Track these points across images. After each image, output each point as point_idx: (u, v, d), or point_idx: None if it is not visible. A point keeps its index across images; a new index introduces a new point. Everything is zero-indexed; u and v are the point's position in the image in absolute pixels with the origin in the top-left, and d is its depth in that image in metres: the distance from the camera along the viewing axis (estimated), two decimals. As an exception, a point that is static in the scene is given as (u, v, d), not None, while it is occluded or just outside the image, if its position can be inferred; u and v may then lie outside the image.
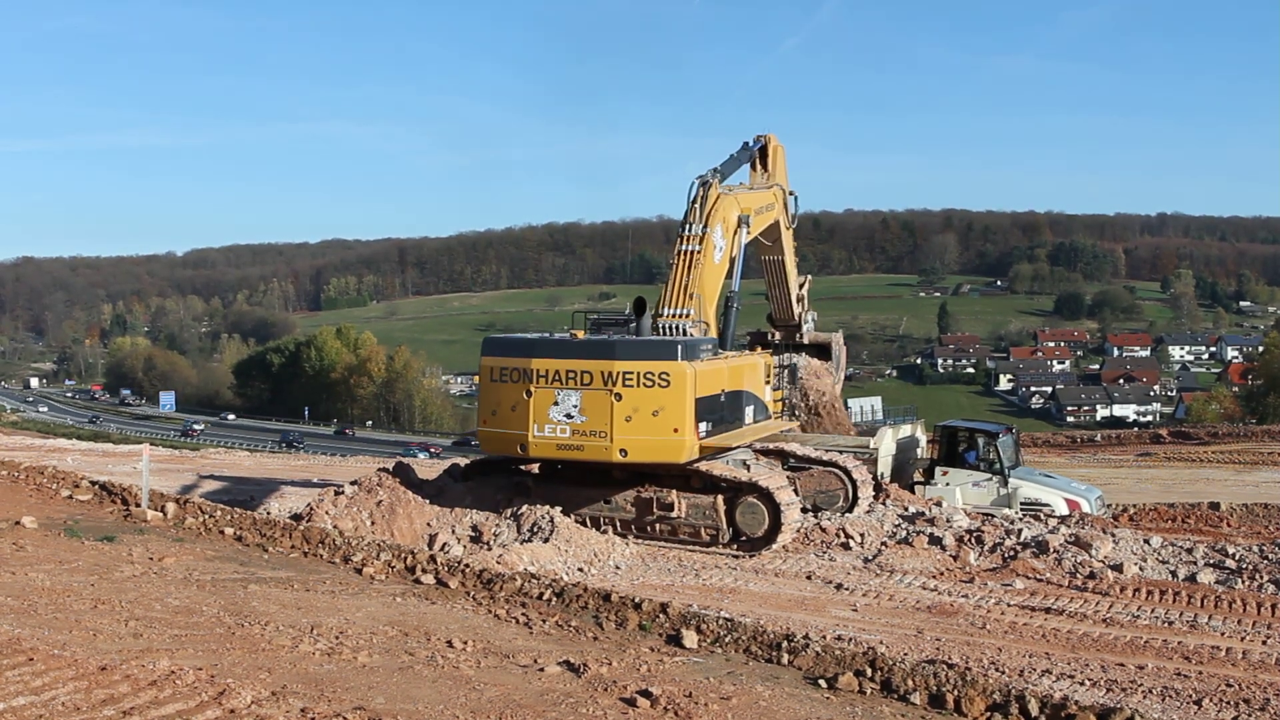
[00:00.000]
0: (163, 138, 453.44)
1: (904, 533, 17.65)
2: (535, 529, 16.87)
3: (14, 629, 8.34)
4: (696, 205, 19.02)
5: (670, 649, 9.51)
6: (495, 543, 16.74)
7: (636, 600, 10.90)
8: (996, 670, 10.87)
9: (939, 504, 19.87)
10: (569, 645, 9.52)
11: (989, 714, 7.91)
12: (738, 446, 18.17)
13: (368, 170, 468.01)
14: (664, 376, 16.28)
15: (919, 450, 23.94)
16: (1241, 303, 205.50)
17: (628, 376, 16.35)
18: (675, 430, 16.30)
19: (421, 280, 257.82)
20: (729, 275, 19.70)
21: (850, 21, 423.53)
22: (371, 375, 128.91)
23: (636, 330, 17.84)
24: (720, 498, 17.42)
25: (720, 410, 17.27)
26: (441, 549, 16.25)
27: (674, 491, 17.54)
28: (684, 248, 18.72)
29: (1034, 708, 7.83)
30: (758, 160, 22.43)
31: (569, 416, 16.63)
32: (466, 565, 12.63)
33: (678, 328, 17.88)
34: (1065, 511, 20.24)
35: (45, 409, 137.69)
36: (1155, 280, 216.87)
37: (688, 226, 18.88)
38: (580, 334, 17.60)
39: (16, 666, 7.17)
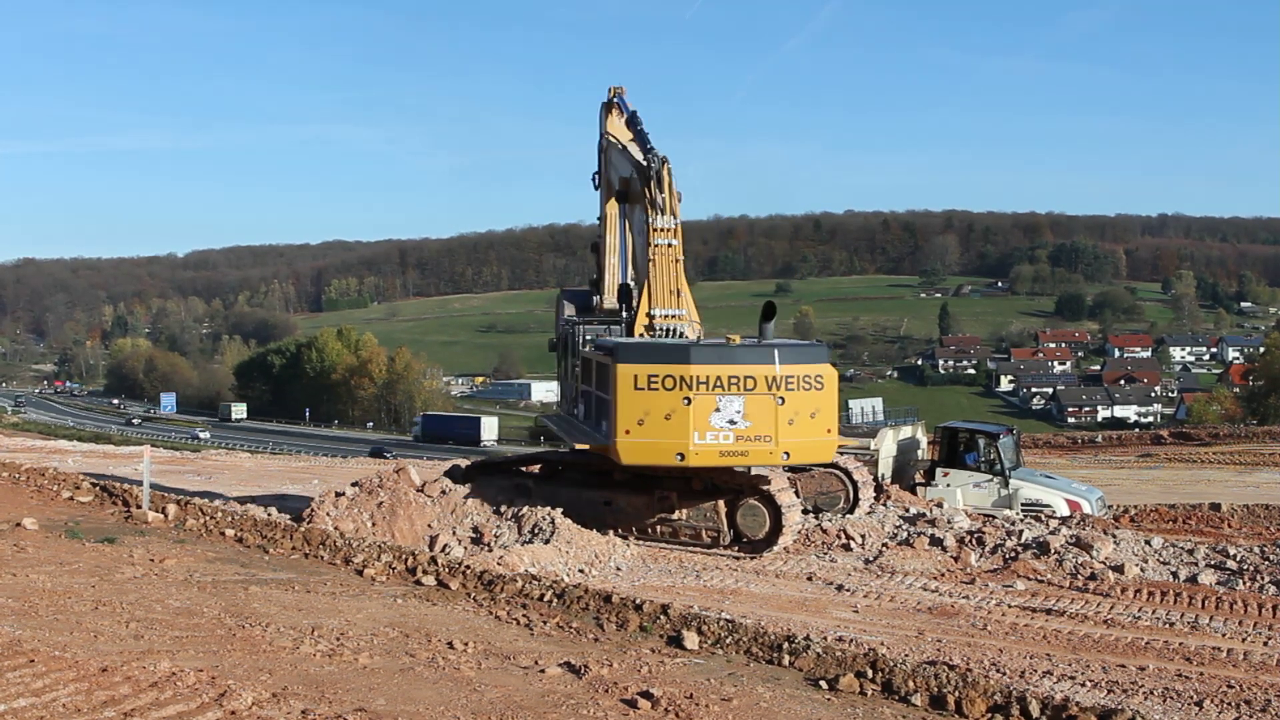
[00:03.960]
0: (163, 139, 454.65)
1: (905, 534, 17.65)
2: (536, 530, 16.86)
3: (15, 630, 8.35)
4: (665, 194, 17.94)
5: (671, 650, 9.51)
6: (496, 544, 16.71)
7: (637, 601, 10.90)
8: (998, 671, 10.86)
9: (940, 505, 19.87)
10: (570, 646, 9.52)
11: (990, 715, 7.91)
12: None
13: (368, 172, 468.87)
14: (819, 379, 16.46)
15: (920, 451, 23.95)
16: (1242, 303, 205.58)
17: (789, 380, 16.30)
18: (829, 430, 16.64)
19: (422, 281, 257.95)
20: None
21: (851, 22, 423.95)
22: (372, 376, 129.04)
23: (760, 336, 17.51)
24: (721, 500, 17.40)
25: None
26: (442, 550, 16.24)
27: (675, 494, 17.52)
28: (660, 242, 17.94)
29: (1035, 709, 7.83)
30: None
31: (732, 422, 16.22)
32: (467, 567, 12.64)
33: (674, 330, 17.69)
34: (1066, 512, 20.25)
35: None
36: (1156, 281, 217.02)
37: (660, 218, 17.94)
38: (735, 338, 17.21)
39: (18, 668, 7.18)
